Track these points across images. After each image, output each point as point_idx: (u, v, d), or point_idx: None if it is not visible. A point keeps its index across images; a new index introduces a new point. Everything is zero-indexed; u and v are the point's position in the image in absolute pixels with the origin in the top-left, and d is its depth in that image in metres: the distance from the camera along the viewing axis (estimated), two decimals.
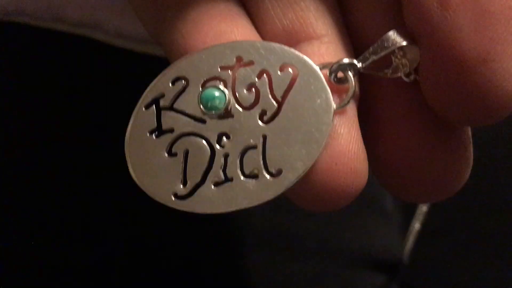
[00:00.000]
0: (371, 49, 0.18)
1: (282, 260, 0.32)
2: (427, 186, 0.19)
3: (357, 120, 0.18)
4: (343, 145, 0.18)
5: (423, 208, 0.36)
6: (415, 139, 0.18)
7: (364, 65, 0.18)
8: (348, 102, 0.18)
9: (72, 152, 0.30)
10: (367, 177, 0.18)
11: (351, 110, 0.18)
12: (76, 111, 0.30)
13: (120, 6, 0.28)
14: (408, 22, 0.17)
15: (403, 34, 0.18)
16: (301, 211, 0.32)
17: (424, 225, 0.36)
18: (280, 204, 0.32)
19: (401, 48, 0.18)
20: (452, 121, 0.18)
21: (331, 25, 0.18)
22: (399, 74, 0.18)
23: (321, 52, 0.18)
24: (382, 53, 0.18)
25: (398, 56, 0.18)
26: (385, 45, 0.18)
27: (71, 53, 0.30)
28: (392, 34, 0.18)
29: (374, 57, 0.18)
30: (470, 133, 0.19)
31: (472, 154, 0.19)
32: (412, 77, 0.18)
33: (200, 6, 0.18)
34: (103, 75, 0.30)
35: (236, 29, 0.18)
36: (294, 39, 0.18)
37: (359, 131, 0.18)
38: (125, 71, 0.30)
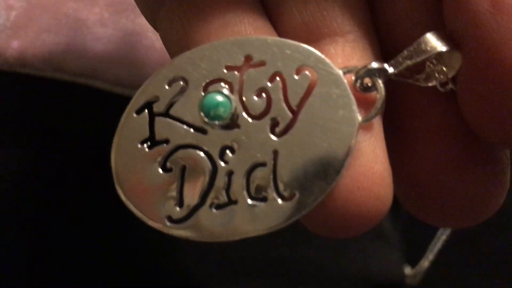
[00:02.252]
0: (405, 52, 0.15)
1: (280, 287, 0.31)
2: (457, 211, 0.17)
3: (383, 136, 0.16)
4: (367, 166, 0.15)
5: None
6: (447, 158, 0.16)
7: (396, 71, 0.15)
8: (376, 115, 0.15)
9: (72, 197, 0.29)
10: (390, 202, 0.16)
11: (377, 124, 0.16)
12: (76, 156, 0.30)
13: (117, 56, 0.28)
14: (451, 24, 0.15)
15: (443, 37, 0.15)
16: (298, 237, 0.32)
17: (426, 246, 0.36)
18: (276, 230, 0.32)
19: (439, 53, 0.15)
20: (490, 140, 0.16)
21: (358, 21, 0.16)
22: (433, 83, 0.16)
23: (346, 52, 0.16)
24: (419, 59, 0.15)
25: (434, 62, 0.15)
26: (423, 49, 0.15)
27: (71, 100, 0.30)
28: (431, 37, 0.15)
29: (409, 63, 0.15)
30: (508, 155, 0.17)
31: (508, 180, 0.17)
32: (448, 87, 0.16)
33: None
34: (103, 121, 0.30)
35: (247, 21, 0.16)
36: (314, 36, 0.16)
37: (385, 149, 0.16)
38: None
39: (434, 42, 0.15)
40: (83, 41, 0.29)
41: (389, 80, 0.16)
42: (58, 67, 0.29)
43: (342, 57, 0.16)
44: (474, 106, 0.15)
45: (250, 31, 0.16)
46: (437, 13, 0.16)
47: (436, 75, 0.16)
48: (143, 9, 0.18)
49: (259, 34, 0.16)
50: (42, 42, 0.29)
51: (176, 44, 0.16)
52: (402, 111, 0.17)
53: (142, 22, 0.29)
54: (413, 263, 0.36)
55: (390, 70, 0.15)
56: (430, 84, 0.16)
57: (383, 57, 0.16)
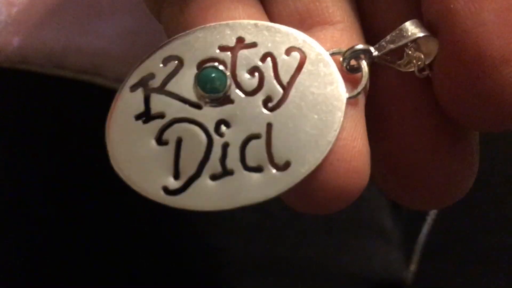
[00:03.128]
0: (388, 37, 0.17)
1: (281, 287, 0.31)
2: (429, 191, 0.18)
3: (364, 115, 0.17)
4: (348, 140, 0.16)
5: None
6: (421, 139, 0.17)
7: (379, 53, 0.17)
8: (360, 92, 0.17)
9: (73, 193, 0.29)
10: (368, 179, 0.16)
11: (360, 102, 0.17)
12: (78, 153, 0.30)
13: (119, 53, 0.29)
14: (427, 12, 0.16)
15: (422, 25, 0.16)
16: (299, 236, 0.32)
17: (426, 244, 0.36)
18: (277, 230, 0.32)
19: (417, 40, 0.16)
20: (462, 123, 0.17)
21: (346, 12, 0.17)
22: (412, 68, 0.17)
23: (335, 38, 0.17)
24: (400, 43, 0.17)
25: (412, 49, 0.17)
26: (404, 34, 0.16)
27: (73, 97, 0.30)
28: (411, 24, 0.17)
29: (391, 46, 0.17)
30: (478, 139, 0.18)
31: (478, 162, 0.18)
32: (425, 73, 0.17)
33: None
34: (104, 117, 0.30)
35: (241, 7, 0.17)
36: (306, 23, 0.17)
37: (365, 127, 0.17)
38: None
39: (414, 29, 0.16)
40: (85, 37, 0.29)
41: (372, 63, 0.17)
42: (59, 64, 0.29)
43: (331, 42, 0.17)
44: (447, 90, 0.16)
45: (243, 17, 0.17)
46: (416, 3, 0.17)
47: (414, 61, 0.17)
48: (147, 1, 0.18)
49: (253, 18, 0.17)
50: (43, 38, 0.29)
51: (175, 30, 0.17)
52: (381, 94, 0.17)
53: (142, 18, 0.29)
54: (414, 261, 0.36)
55: (375, 52, 0.17)
56: (409, 70, 0.17)
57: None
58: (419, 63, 0.17)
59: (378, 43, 0.17)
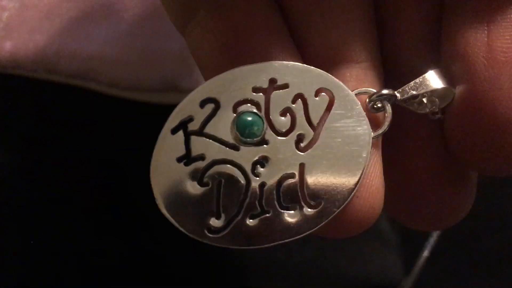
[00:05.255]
0: (412, 84, 0.18)
1: None
2: (433, 217, 0.19)
3: (381, 154, 0.18)
4: (368, 179, 0.17)
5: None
6: (429, 174, 0.18)
7: (401, 98, 0.18)
8: (384, 132, 0.17)
9: (66, 198, 0.29)
10: (381, 211, 0.18)
11: (379, 141, 0.18)
12: (71, 158, 0.30)
13: (111, 58, 0.29)
14: (447, 65, 0.17)
15: (444, 75, 0.17)
16: (297, 240, 0.32)
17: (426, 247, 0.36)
18: None
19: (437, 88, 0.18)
20: (467, 166, 0.18)
21: (371, 52, 0.18)
22: (426, 110, 0.18)
23: (359, 77, 0.18)
24: (422, 91, 0.17)
25: (429, 93, 0.18)
26: (426, 83, 0.17)
27: (66, 102, 0.30)
28: (434, 74, 0.17)
29: (414, 93, 0.18)
30: (477, 176, 0.20)
31: (475, 192, 0.20)
32: (437, 116, 0.18)
33: (239, 11, 0.17)
34: (98, 122, 0.30)
35: (274, 43, 0.17)
36: (333, 60, 0.18)
37: (382, 165, 0.18)
38: (119, 118, 0.30)
39: (436, 79, 0.17)
40: (77, 42, 0.28)
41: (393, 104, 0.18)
42: (51, 69, 0.29)
43: (356, 81, 0.18)
44: (457, 136, 0.17)
45: (277, 53, 0.17)
46: (436, 52, 0.18)
47: (429, 105, 0.18)
48: (171, 16, 0.19)
49: (285, 56, 0.17)
50: (35, 43, 0.28)
51: (207, 54, 0.17)
52: (396, 133, 0.18)
53: (137, 23, 0.29)
54: (411, 264, 0.36)
55: (398, 96, 0.18)
56: (422, 112, 0.18)
57: (385, 83, 0.19)
58: (433, 107, 0.18)
59: (402, 88, 0.18)
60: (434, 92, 0.17)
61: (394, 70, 0.18)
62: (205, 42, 0.17)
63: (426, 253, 0.36)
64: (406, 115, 0.18)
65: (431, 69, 0.18)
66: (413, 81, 0.18)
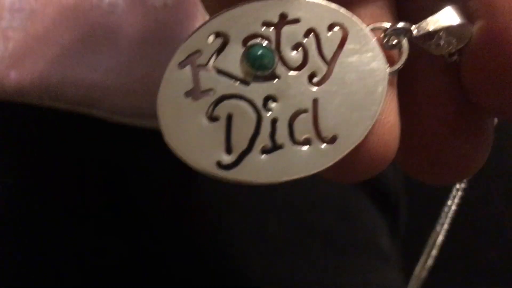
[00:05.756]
0: (428, 20, 0.17)
1: None
2: (445, 168, 0.18)
3: (396, 91, 0.17)
4: (382, 115, 0.17)
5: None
6: (443, 121, 0.18)
7: (418, 34, 0.17)
8: (400, 67, 0.17)
9: (70, 224, 0.30)
10: (396, 151, 0.17)
11: (394, 79, 0.17)
12: (75, 184, 0.30)
13: (113, 86, 0.29)
14: (467, 2, 0.17)
15: (461, 11, 0.17)
16: (297, 257, 0.32)
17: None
18: (276, 250, 0.32)
19: (454, 25, 0.17)
20: (484, 108, 0.17)
21: None
22: (442, 52, 0.17)
23: (374, 14, 0.17)
24: (439, 27, 0.17)
25: (445, 33, 0.17)
26: (443, 19, 0.17)
27: (69, 129, 0.30)
28: (452, 10, 0.17)
29: (431, 28, 0.17)
30: (493, 124, 0.19)
31: (491, 143, 0.19)
32: (454, 57, 0.17)
33: None
34: (102, 148, 0.31)
35: None
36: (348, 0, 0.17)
37: (397, 102, 0.17)
38: (122, 144, 0.30)
39: (454, 15, 0.17)
40: (80, 70, 0.29)
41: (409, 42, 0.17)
42: (55, 97, 0.29)
43: (371, 18, 0.17)
44: (475, 77, 0.17)
45: None
46: None
47: (446, 45, 0.17)
48: None
49: None
50: (40, 72, 0.29)
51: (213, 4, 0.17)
52: (409, 73, 0.18)
53: (138, 51, 0.30)
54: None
55: (414, 32, 0.17)
56: (439, 53, 0.17)
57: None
58: (450, 47, 0.17)
59: (418, 24, 0.17)
60: (450, 28, 0.17)
61: (410, 10, 0.18)
62: None
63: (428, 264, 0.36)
64: (421, 59, 0.18)
65: (448, 5, 0.17)
66: (430, 17, 0.17)
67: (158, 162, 0.31)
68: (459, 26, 0.17)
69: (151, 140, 0.28)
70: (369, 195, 0.35)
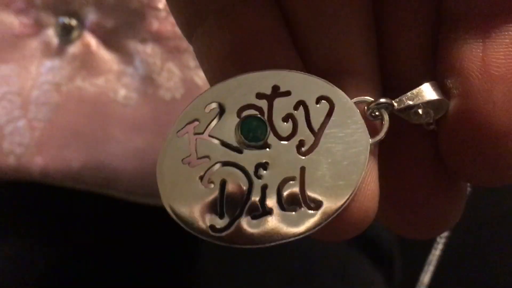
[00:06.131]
0: (408, 94, 0.18)
1: None
2: (425, 224, 0.19)
3: (377, 160, 0.18)
4: (364, 183, 0.18)
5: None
6: (422, 182, 0.19)
7: (398, 107, 0.18)
8: (381, 139, 0.18)
9: None
10: (375, 215, 0.18)
11: (375, 150, 0.18)
12: (97, 257, 0.33)
13: (130, 170, 0.33)
14: (443, 78, 0.18)
15: (439, 88, 0.18)
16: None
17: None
18: None
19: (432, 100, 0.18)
20: (458, 176, 0.18)
21: (371, 64, 0.19)
22: (421, 121, 0.18)
23: (360, 87, 0.18)
24: (418, 102, 0.18)
25: (424, 106, 0.18)
26: (422, 94, 0.18)
27: (88, 206, 0.34)
28: (430, 86, 0.18)
29: (410, 103, 0.18)
30: (467, 188, 0.20)
31: (465, 201, 0.20)
32: (432, 126, 0.18)
33: (246, 20, 0.18)
34: (116, 225, 0.34)
35: (281, 54, 0.18)
36: (336, 69, 0.18)
37: (377, 170, 0.18)
38: (135, 221, 0.34)
39: (432, 91, 0.18)
40: (99, 156, 0.32)
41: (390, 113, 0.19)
42: (76, 179, 0.32)
43: (356, 91, 0.18)
44: (450, 147, 0.18)
45: (281, 62, 0.18)
46: (432, 66, 0.18)
47: (424, 116, 0.18)
48: (179, 23, 0.20)
49: (289, 64, 0.18)
50: (63, 158, 0.32)
51: (214, 62, 0.18)
52: (391, 143, 0.19)
53: (151, 138, 0.33)
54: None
55: (395, 105, 0.18)
56: (418, 122, 0.18)
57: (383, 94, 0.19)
58: (428, 118, 0.18)
59: (399, 98, 0.18)
60: (429, 103, 0.18)
61: (391, 82, 0.19)
62: (212, 50, 0.18)
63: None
64: (401, 126, 0.19)
65: (427, 81, 0.18)
66: (410, 92, 0.18)
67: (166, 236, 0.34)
68: (436, 101, 0.18)
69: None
70: (364, 250, 0.37)
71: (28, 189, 0.34)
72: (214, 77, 0.18)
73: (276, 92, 0.18)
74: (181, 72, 0.34)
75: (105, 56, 0.34)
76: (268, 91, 0.18)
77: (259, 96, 0.18)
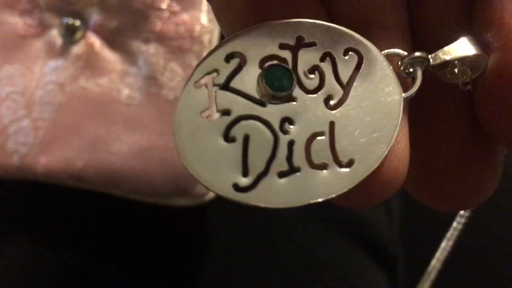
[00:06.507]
0: (445, 49, 0.17)
1: None
2: (455, 195, 0.18)
3: (407, 118, 0.17)
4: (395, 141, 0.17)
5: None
6: (455, 148, 0.18)
7: (434, 63, 0.17)
8: (413, 93, 0.17)
9: None
10: (405, 177, 0.17)
11: (406, 107, 0.17)
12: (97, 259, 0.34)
13: (132, 169, 0.33)
14: (482, 33, 0.17)
15: (477, 42, 0.17)
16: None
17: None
18: None
19: (469, 56, 0.17)
20: (496, 139, 0.17)
21: (401, 18, 0.18)
22: (456, 81, 0.17)
23: (390, 41, 0.17)
24: (455, 57, 0.17)
25: (460, 63, 0.17)
26: (459, 49, 0.17)
27: (91, 205, 0.34)
28: (468, 40, 0.17)
29: (446, 58, 0.17)
30: (505, 152, 0.19)
31: (501, 171, 0.19)
32: (468, 86, 0.17)
33: None
34: (121, 224, 0.34)
35: (304, 5, 0.17)
36: (364, 25, 0.17)
37: (408, 129, 0.17)
38: (140, 220, 0.34)
39: (470, 46, 0.17)
40: (103, 156, 0.33)
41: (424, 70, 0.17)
42: (80, 179, 0.33)
43: (386, 45, 0.17)
44: (487, 108, 0.17)
45: (305, 14, 0.17)
46: (468, 19, 0.17)
47: (460, 75, 0.17)
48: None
49: (313, 17, 0.17)
50: (67, 157, 0.33)
51: (233, 15, 0.17)
52: (423, 100, 0.18)
53: (154, 138, 0.34)
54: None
55: (431, 61, 0.17)
56: (453, 82, 0.17)
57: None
58: (464, 77, 0.17)
59: (434, 54, 0.17)
60: (466, 59, 0.17)
61: (425, 40, 0.18)
62: (231, 3, 0.17)
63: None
64: (435, 86, 0.18)
65: (464, 36, 0.17)
66: (446, 47, 0.17)
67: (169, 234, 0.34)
68: (474, 56, 0.17)
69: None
70: (367, 251, 0.37)
71: (32, 189, 0.34)
72: (234, 26, 0.17)
73: (301, 42, 0.17)
74: (184, 71, 0.34)
75: (109, 56, 0.34)
76: (292, 42, 0.17)
77: (283, 46, 0.17)
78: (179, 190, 0.33)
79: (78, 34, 0.35)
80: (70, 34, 0.35)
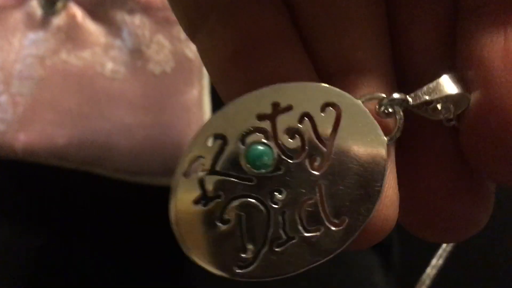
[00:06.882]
0: (425, 89, 0.17)
1: None
2: (447, 229, 0.18)
3: (395, 162, 0.17)
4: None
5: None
6: (443, 184, 0.18)
7: (414, 103, 0.17)
8: (396, 136, 0.17)
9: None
10: (395, 223, 0.17)
11: (391, 151, 0.17)
12: (81, 234, 0.32)
13: (116, 147, 0.31)
14: (463, 70, 0.17)
15: (458, 80, 0.17)
16: None
17: None
18: None
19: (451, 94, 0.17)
20: (483, 175, 0.17)
21: (383, 59, 0.17)
22: (439, 117, 0.17)
23: (371, 84, 0.17)
24: (436, 97, 0.17)
25: (443, 101, 0.17)
26: (440, 88, 0.17)
27: (74, 185, 0.32)
28: (449, 79, 0.17)
29: (426, 98, 0.17)
30: (494, 187, 0.19)
31: (492, 203, 0.18)
32: (452, 123, 0.17)
33: (250, 18, 0.17)
34: (103, 202, 0.33)
35: (287, 52, 0.17)
36: (345, 68, 0.17)
37: (396, 174, 0.17)
38: (122, 198, 0.32)
39: (451, 84, 0.17)
40: (85, 133, 0.31)
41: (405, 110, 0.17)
42: (62, 157, 0.31)
43: (368, 88, 0.17)
44: (473, 143, 0.17)
45: (288, 61, 0.17)
46: (452, 55, 0.17)
47: (443, 111, 0.17)
48: (181, 23, 0.19)
49: (296, 64, 0.17)
50: (47, 134, 0.31)
51: (218, 61, 0.17)
52: (408, 141, 0.18)
53: (139, 114, 0.32)
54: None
55: (410, 101, 0.17)
56: (436, 118, 0.17)
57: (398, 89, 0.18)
58: (448, 113, 0.17)
59: (414, 93, 0.17)
60: (448, 97, 0.17)
61: (407, 76, 0.18)
62: (216, 50, 0.17)
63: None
64: (419, 123, 0.18)
65: (445, 73, 0.17)
66: (426, 86, 0.17)
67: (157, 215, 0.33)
68: (456, 95, 0.17)
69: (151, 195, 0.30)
70: None
71: (13, 167, 0.32)
72: (219, 79, 0.18)
73: (277, 109, 0.17)
74: (171, 44, 0.33)
75: (91, 28, 0.33)
76: (268, 110, 0.17)
77: (260, 117, 0.17)
78: (165, 169, 0.31)
79: (59, 5, 0.33)
80: (50, 5, 0.33)
